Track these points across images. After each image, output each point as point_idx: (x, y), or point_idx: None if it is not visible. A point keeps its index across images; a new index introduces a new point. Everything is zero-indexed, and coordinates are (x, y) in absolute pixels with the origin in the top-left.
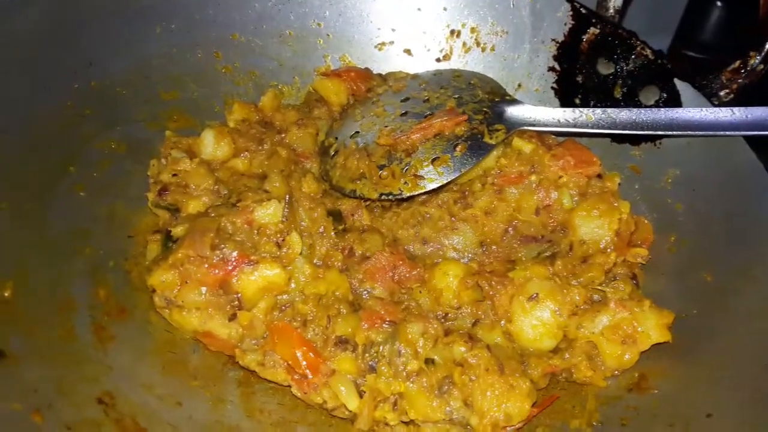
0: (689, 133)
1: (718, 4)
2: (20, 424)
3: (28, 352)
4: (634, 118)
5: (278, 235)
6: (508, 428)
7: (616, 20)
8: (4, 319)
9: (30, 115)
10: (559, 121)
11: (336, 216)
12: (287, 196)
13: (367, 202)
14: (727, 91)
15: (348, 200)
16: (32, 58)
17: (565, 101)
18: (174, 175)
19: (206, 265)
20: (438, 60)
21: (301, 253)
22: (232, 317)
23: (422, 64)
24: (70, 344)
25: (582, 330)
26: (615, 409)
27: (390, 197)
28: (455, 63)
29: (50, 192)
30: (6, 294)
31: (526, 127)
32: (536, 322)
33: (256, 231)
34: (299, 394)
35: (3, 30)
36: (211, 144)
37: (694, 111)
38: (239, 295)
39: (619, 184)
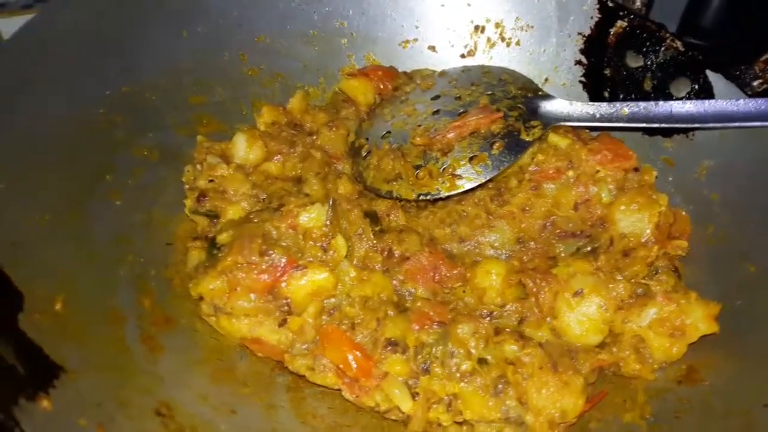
0: (725, 125)
1: None
2: None
3: (85, 366)
4: (669, 111)
5: (323, 239)
6: (562, 425)
7: (644, 12)
8: (59, 332)
9: (65, 125)
10: (594, 115)
11: (372, 217)
12: (331, 200)
13: (403, 202)
14: (761, 81)
15: (382, 201)
16: (64, 66)
17: (594, 95)
18: (211, 180)
19: (255, 272)
20: (462, 56)
21: (345, 256)
22: (282, 323)
23: (447, 60)
24: (123, 356)
25: (629, 324)
26: (666, 402)
27: (428, 197)
28: (480, 59)
29: (88, 201)
30: (57, 307)
31: (562, 123)
32: (582, 317)
33: (301, 235)
34: (351, 398)
35: (35, 40)
36: (244, 148)
37: (729, 102)
38: (288, 300)
39: (656, 176)
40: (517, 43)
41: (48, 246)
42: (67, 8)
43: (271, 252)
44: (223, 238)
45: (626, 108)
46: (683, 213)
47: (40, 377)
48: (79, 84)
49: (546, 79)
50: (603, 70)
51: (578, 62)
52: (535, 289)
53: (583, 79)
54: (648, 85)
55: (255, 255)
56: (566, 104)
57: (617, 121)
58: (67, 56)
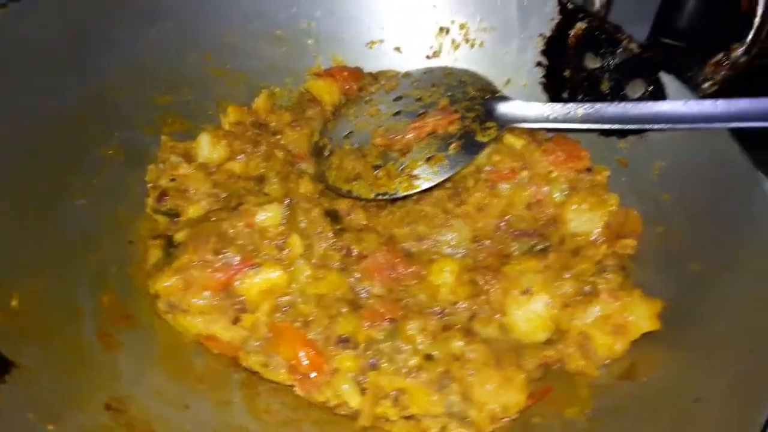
0: (675, 126)
1: None
2: None
3: (39, 363)
4: (621, 112)
5: (279, 238)
6: (504, 419)
7: (603, 14)
8: (14, 329)
9: (28, 125)
10: (548, 116)
11: (333, 216)
12: (287, 199)
13: (363, 202)
14: (711, 82)
15: (344, 200)
16: (27, 68)
17: (554, 96)
18: (172, 179)
19: (210, 270)
20: (428, 57)
21: (301, 254)
22: (236, 320)
23: (413, 61)
24: (80, 353)
25: (574, 321)
26: (608, 397)
27: (386, 197)
28: (445, 60)
29: (51, 201)
30: (13, 303)
31: (517, 124)
32: (530, 314)
33: (257, 234)
34: (302, 394)
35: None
36: (208, 147)
37: (679, 104)
38: (242, 298)
39: (608, 176)
40: (481, 45)
41: (7, 244)
42: (31, 9)
43: (225, 251)
44: (179, 236)
45: (580, 109)
46: (634, 213)
47: None
48: (43, 84)
49: (508, 80)
50: (563, 72)
51: (539, 63)
52: (486, 287)
53: (543, 80)
54: (606, 86)
55: (209, 253)
56: (522, 106)
57: (571, 122)
58: (31, 56)
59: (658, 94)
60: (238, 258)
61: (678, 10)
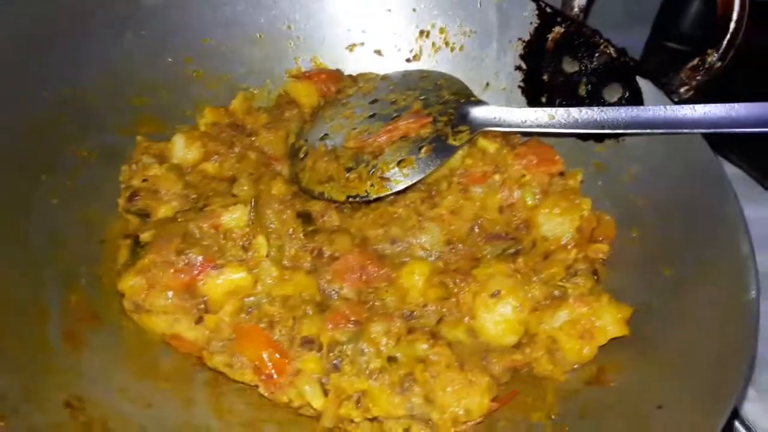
0: (651, 131)
1: None
2: None
3: None
4: (595, 117)
5: (244, 239)
6: (468, 423)
7: (581, 19)
8: None
9: (2, 126)
10: (521, 121)
11: (306, 217)
12: (253, 200)
13: (337, 204)
14: (687, 88)
15: (317, 202)
16: (3, 68)
17: (532, 100)
18: (144, 180)
19: (172, 270)
20: (408, 60)
21: (268, 256)
22: (199, 320)
23: (393, 64)
24: (42, 352)
25: (542, 325)
26: (574, 402)
27: (357, 199)
28: (425, 63)
29: (23, 200)
30: None
31: (490, 128)
32: (498, 318)
33: (222, 235)
34: (266, 394)
35: None
36: (182, 148)
37: (655, 109)
38: (205, 298)
39: (583, 181)
40: (461, 48)
41: None
42: (7, 9)
43: (188, 251)
44: (145, 236)
45: (555, 113)
46: (607, 217)
47: None
48: (17, 85)
49: (487, 84)
50: (541, 75)
51: (518, 67)
52: (455, 290)
53: (522, 84)
54: (583, 90)
55: (172, 254)
56: (496, 110)
57: (545, 126)
58: (6, 58)
59: (635, 99)
60: (200, 258)
61: (680, 13)
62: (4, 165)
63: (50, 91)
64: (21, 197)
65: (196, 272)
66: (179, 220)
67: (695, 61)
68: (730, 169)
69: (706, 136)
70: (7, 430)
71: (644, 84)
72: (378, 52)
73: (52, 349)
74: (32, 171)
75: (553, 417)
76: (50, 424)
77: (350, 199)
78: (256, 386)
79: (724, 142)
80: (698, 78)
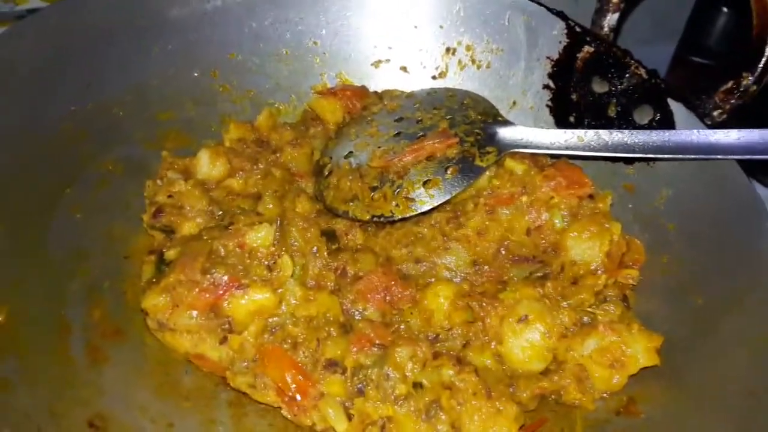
0: (683, 156)
1: (724, 10)
2: None
3: (20, 377)
4: (625, 140)
5: (269, 258)
6: None
7: (611, 38)
8: None
9: (27, 137)
10: (550, 143)
11: (330, 236)
12: (278, 219)
13: (360, 222)
14: (720, 111)
15: (342, 220)
16: (30, 80)
17: (560, 119)
18: (169, 196)
19: (197, 290)
20: (434, 77)
21: (292, 276)
22: (223, 340)
23: (419, 81)
24: (64, 367)
25: (571, 352)
26: None
27: (381, 219)
28: (451, 80)
29: (47, 214)
30: (0, 318)
31: (517, 149)
32: (526, 344)
33: (247, 254)
34: (289, 416)
35: (1, 52)
36: (207, 164)
37: (687, 133)
38: (230, 318)
39: (612, 204)
40: (488, 66)
41: (0, 257)
42: (35, 23)
43: (213, 270)
44: (170, 254)
45: (584, 135)
46: (638, 242)
47: None
48: (44, 98)
49: (514, 103)
50: (570, 95)
51: (546, 86)
52: (482, 314)
53: (550, 103)
54: (612, 111)
55: (197, 273)
56: (523, 131)
57: (574, 148)
58: (33, 71)
59: (666, 121)
60: (225, 278)
61: (707, 28)
62: (28, 178)
63: (76, 104)
64: (44, 211)
65: (221, 292)
66: (204, 238)
67: (729, 85)
68: (763, 191)
69: (740, 160)
70: None
71: (676, 106)
72: (404, 69)
73: (74, 365)
74: (56, 184)
75: None
76: None
77: (374, 219)
78: (279, 408)
79: (758, 166)
80: (732, 101)
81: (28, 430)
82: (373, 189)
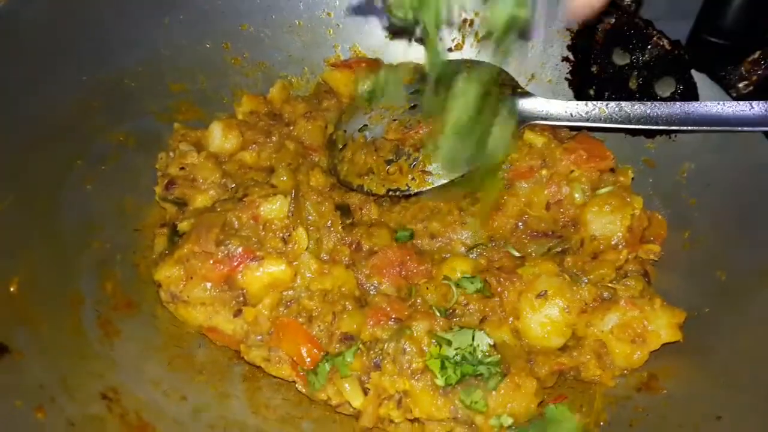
0: (706, 128)
1: None
2: (22, 421)
3: (32, 347)
4: (648, 112)
5: (284, 231)
6: (513, 427)
7: (633, 9)
8: (9, 314)
9: (38, 108)
10: (571, 114)
11: (344, 210)
12: (293, 191)
13: (376, 197)
14: (747, 82)
15: (356, 194)
16: (41, 50)
17: (579, 92)
18: (182, 168)
19: (211, 261)
20: (450, 50)
21: (307, 249)
22: (237, 313)
23: None
24: (76, 339)
25: (591, 328)
26: (623, 409)
27: (397, 193)
28: (467, 53)
29: (58, 186)
30: (12, 289)
31: (538, 122)
32: (544, 319)
33: (261, 226)
34: (304, 390)
35: (11, 22)
36: (219, 136)
37: (711, 105)
38: (244, 290)
39: (633, 178)
40: None
41: (10, 228)
42: None
43: (227, 242)
44: (183, 226)
45: (605, 107)
46: (659, 216)
47: None
48: (54, 68)
49: (532, 76)
50: (590, 67)
51: (565, 59)
52: (499, 289)
53: (569, 76)
54: (633, 84)
55: (211, 244)
56: (544, 102)
57: (595, 120)
58: (44, 40)
59: (690, 93)
60: (240, 250)
61: (723, 7)
62: (39, 149)
63: (87, 74)
64: (55, 182)
65: (235, 264)
66: (218, 209)
67: (756, 55)
68: None
69: (766, 133)
70: (47, 423)
71: (700, 78)
72: (419, 41)
73: (86, 337)
74: (67, 156)
75: (601, 424)
76: (88, 416)
77: (390, 193)
78: (294, 382)
79: None
80: (759, 72)
81: (41, 400)
82: (389, 162)
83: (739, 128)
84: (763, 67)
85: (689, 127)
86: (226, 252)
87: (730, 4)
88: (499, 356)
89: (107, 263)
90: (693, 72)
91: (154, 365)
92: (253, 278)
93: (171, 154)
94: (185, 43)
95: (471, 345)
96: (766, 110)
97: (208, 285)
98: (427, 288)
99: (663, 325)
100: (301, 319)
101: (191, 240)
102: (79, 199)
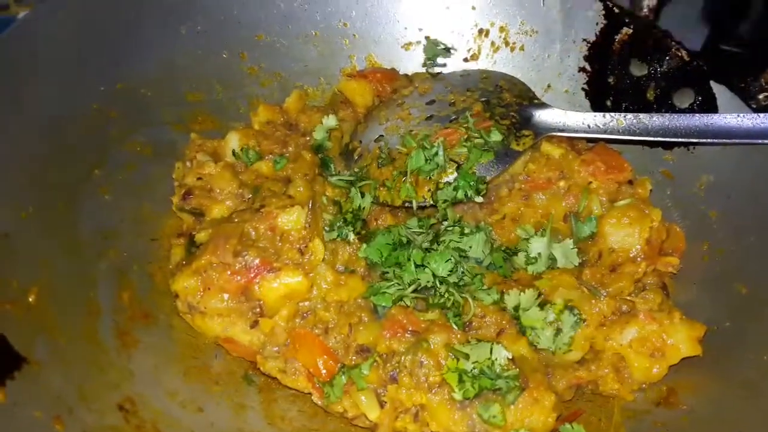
0: (727, 141)
1: None
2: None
3: (51, 358)
4: (666, 124)
5: (301, 242)
6: None
7: (651, 19)
8: (28, 324)
9: (56, 118)
10: (588, 126)
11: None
12: (310, 202)
13: (390, 207)
14: (767, 94)
15: (372, 205)
16: (59, 60)
17: (596, 103)
18: (199, 178)
19: (228, 272)
20: (466, 60)
21: (323, 260)
22: (254, 324)
23: (450, 63)
24: (94, 349)
25: (609, 342)
26: (642, 423)
27: (414, 205)
28: (483, 63)
29: (75, 195)
30: (30, 299)
31: (554, 133)
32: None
33: (278, 237)
34: (320, 402)
35: (30, 32)
36: (236, 146)
37: (731, 117)
38: (261, 302)
39: (651, 189)
40: (521, 48)
41: (29, 238)
42: (63, 3)
43: (245, 253)
44: (201, 236)
45: (623, 119)
46: (677, 229)
47: None
48: (72, 78)
49: (549, 86)
50: (606, 78)
51: (582, 69)
52: None
53: (586, 86)
54: (651, 95)
55: (229, 255)
56: (561, 114)
57: (612, 132)
58: (62, 51)
59: (709, 105)
60: (257, 261)
61: (739, 16)
62: (57, 158)
63: (104, 84)
64: (73, 191)
65: (252, 275)
66: (236, 220)
67: None
68: None
69: None
70: None
71: (719, 90)
72: None
73: (103, 348)
74: (85, 165)
75: None
76: (105, 427)
77: (406, 204)
78: (310, 394)
79: None
80: None
81: (59, 411)
82: (404, 173)
83: (760, 141)
84: None
85: (708, 140)
86: (243, 263)
87: (748, 13)
88: (518, 370)
89: (124, 273)
90: (712, 83)
91: (170, 376)
92: (270, 289)
93: (188, 164)
94: (201, 53)
95: (489, 358)
96: None
97: (226, 296)
98: None
99: (682, 339)
100: (317, 331)
101: (209, 251)
102: (97, 208)
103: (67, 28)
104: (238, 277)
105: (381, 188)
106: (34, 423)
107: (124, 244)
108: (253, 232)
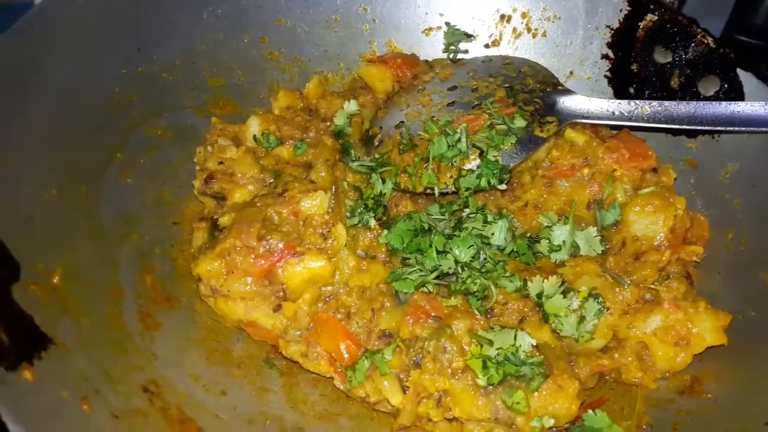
0: (752, 129)
1: None
2: (69, 411)
3: (76, 340)
4: (692, 112)
5: (324, 227)
6: (554, 429)
7: (676, 6)
8: (53, 305)
9: (78, 101)
10: (613, 113)
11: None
12: (333, 187)
13: (411, 194)
14: None
15: (393, 190)
16: (81, 44)
17: (619, 91)
18: (220, 162)
19: (252, 256)
20: (487, 46)
21: (345, 245)
22: (277, 308)
23: (471, 49)
24: (118, 332)
25: (633, 330)
26: (666, 412)
27: (435, 191)
28: (505, 49)
29: (98, 178)
30: (54, 280)
31: (578, 120)
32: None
33: (301, 222)
34: (342, 387)
35: (52, 16)
36: (257, 131)
37: (758, 105)
38: (284, 286)
39: (675, 178)
40: (543, 35)
41: (53, 220)
42: None
43: (268, 237)
44: (224, 220)
45: (647, 107)
46: (701, 217)
47: (27, 348)
48: (94, 62)
49: (571, 73)
50: (630, 65)
51: (605, 56)
52: None
53: (608, 74)
54: (675, 83)
55: (253, 239)
56: (585, 100)
57: (637, 120)
58: (84, 35)
59: (735, 93)
60: (281, 245)
61: (756, 7)
62: (80, 142)
63: (126, 67)
64: (96, 174)
65: (275, 259)
66: (258, 204)
67: None
68: None
69: None
70: (92, 415)
71: (745, 77)
72: None
73: (127, 330)
74: (107, 148)
75: (643, 427)
76: (131, 410)
77: (427, 191)
78: (332, 378)
79: None
80: None
81: (86, 392)
82: (426, 160)
83: None
84: None
85: (736, 128)
86: (267, 247)
87: (763, 3)
88: (542, 357)
89: (146, 256)
90: (738, 71)
91: (193, 359)
92: (293, 273)
93: (209, 148)
94: (222, 37)
95: (513, 345)
96: None
97: (249, 279)
98: None
99: (708, 329)
100: (339, 315)
101: (233, 234)
102: (119, 192)
103: (89, 11)
104: (262, 261)
105: (402, 174)
106: (62, 403)
107: (147, 227)
108: (276, 217)
